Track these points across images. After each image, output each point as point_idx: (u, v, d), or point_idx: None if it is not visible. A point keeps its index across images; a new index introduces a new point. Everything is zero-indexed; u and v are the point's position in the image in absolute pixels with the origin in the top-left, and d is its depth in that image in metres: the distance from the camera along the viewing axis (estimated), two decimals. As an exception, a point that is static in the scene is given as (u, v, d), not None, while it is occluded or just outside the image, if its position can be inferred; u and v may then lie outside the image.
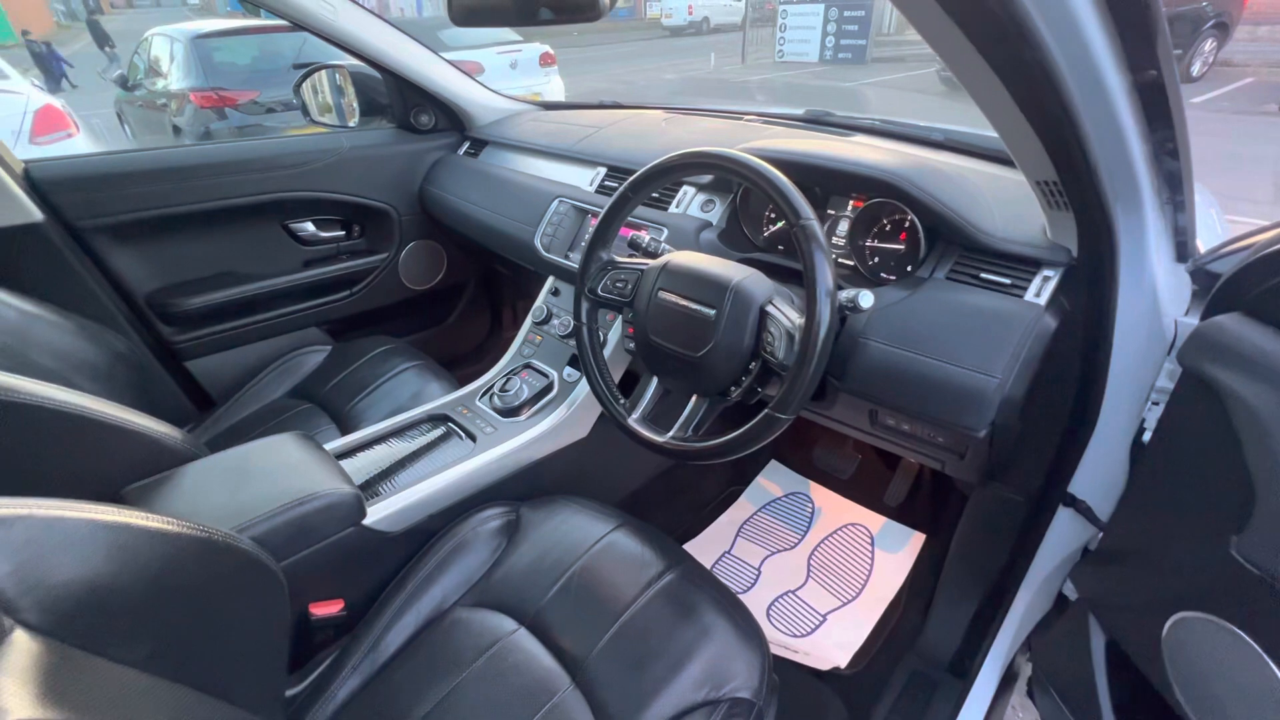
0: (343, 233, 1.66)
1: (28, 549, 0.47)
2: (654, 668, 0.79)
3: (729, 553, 1.49)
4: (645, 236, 0.98)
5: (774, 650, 1.26)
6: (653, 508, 1.54)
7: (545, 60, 6.51)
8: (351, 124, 1.66)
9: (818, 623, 1.34)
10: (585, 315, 0.94)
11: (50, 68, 10.32)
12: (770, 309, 0.79)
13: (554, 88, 6.51)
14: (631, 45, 15.45)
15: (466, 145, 1.69)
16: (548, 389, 1.22)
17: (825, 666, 1.25)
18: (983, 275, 0.84)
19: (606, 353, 1.15)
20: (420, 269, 1.77)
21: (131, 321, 1.34)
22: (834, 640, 1.29)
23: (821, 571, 1.44)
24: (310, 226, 1.59)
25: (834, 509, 1.58)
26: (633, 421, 0.90)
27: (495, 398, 1.20)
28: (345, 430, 1.26)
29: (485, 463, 1.06)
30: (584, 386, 1.18)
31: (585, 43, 16.08)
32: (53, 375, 1.07)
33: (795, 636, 1.31)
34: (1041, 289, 0.79)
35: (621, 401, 0.93)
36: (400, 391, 1.35)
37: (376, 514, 0.94)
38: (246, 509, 0.83)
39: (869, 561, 1.45)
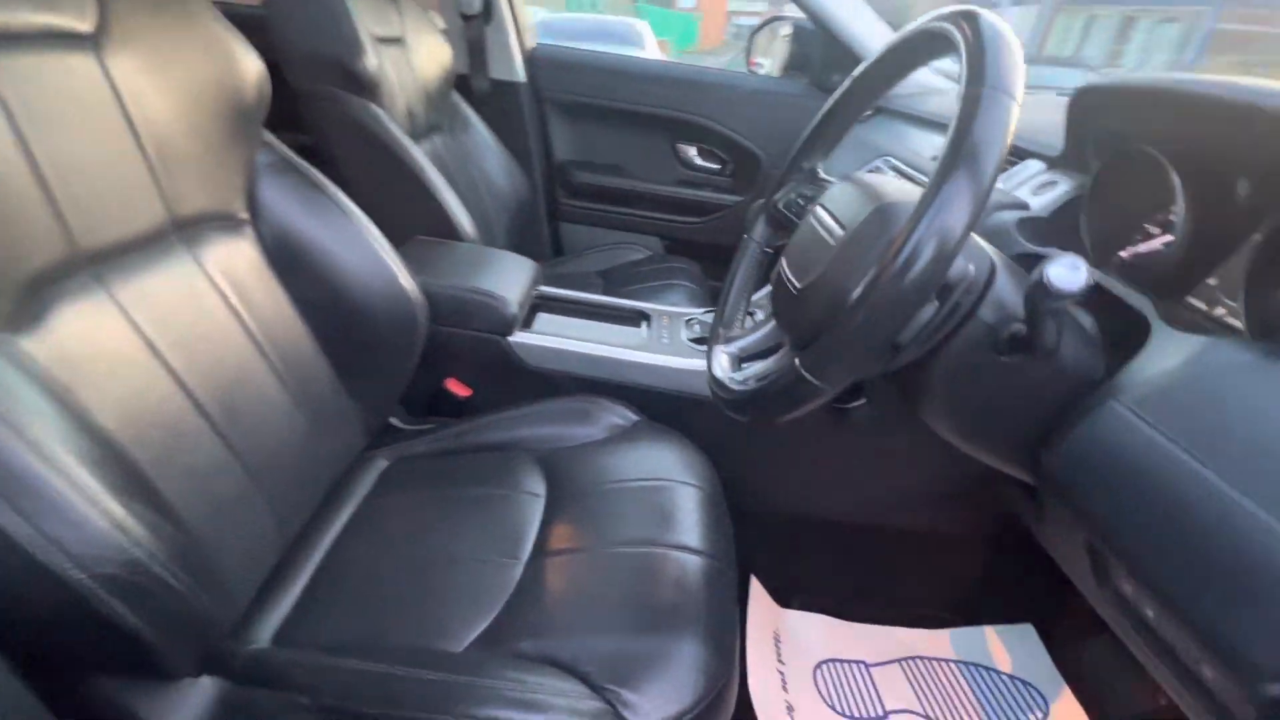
0: (718, 166, 1.79)
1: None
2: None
3: (855, 667, 1.07)
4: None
5: None
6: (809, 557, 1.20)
7: None
8: (769, 72, 1.73)
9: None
10: (754, 228, 0.80)
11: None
12: None
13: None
14: None
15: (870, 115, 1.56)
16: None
17: None
18: None
19: None
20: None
21: (543, 174, 1.77)
22: None
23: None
24: (692, 151, 1.77)
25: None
26: (718, 346, 0.73)
27: (698, 323, 1.13)
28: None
29: (634, 361, 1.03)
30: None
31: None
32: (477, 181, 1.52)
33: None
34: None
35: (734, 328, 0.76)
36: (658, 296, 1.41)
37: (522, 339, 1.03)
38: (443, 275, 1.04)
39: None
